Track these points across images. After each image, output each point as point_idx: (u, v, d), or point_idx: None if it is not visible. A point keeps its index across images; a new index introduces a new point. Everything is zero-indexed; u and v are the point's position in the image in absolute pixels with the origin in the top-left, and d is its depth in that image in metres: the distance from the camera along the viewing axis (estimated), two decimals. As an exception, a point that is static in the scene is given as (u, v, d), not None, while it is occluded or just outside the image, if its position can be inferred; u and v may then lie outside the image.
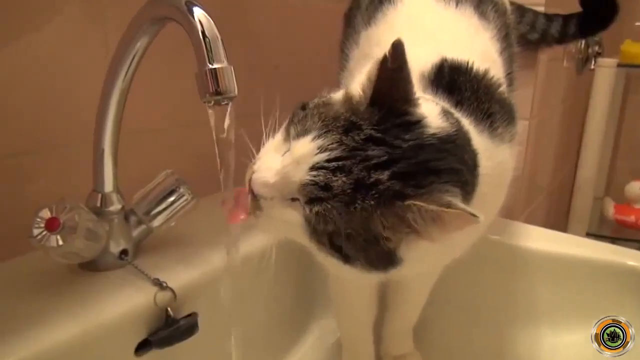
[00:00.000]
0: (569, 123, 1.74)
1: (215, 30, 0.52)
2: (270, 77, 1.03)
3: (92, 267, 0.66)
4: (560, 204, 1.91)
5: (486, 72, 0.60)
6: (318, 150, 0.49)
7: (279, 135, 0.55)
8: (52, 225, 0.56)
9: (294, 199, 0.50)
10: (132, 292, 0.62)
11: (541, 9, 1.09)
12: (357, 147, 0.48)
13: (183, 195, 0.69)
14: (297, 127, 0.52)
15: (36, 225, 0.57)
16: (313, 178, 0.48)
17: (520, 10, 1.03)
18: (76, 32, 0.74)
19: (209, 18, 0.52)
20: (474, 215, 0.44)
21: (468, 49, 0.62)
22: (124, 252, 0.67)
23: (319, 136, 0.49)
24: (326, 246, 0.50)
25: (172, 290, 0.63)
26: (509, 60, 0.72)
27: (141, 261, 0.68)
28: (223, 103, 0.52)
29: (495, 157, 0.56)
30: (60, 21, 0.72)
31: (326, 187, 0.48)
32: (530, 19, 1.05)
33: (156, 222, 0.69)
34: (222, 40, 0.52)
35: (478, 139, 0.54)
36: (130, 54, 0.59)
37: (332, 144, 0.48)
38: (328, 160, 0.48)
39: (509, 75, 0.71)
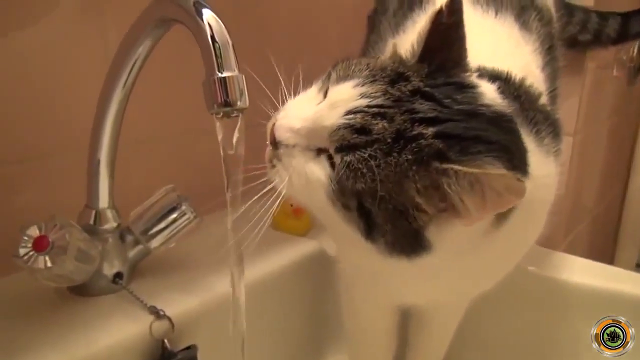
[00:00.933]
0: (618, 139, 1.73)
1: (226, 35, 0.52)
2: (285, 85, 1.03)
3: (82, 291, 0.66)
4: (607, 231, 1.88)
5: (523, 80, 0.60)
6: (359, 97, 0.49)
7: (313, 87, 0.55)
8: (40, 245, 0.57)
9: (320, 152, 0.50)
10: (126, 320, 0.62)
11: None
12: (402, 98, 0.48)
13: (185, 214, 0.69)
14: (338, 73, 0.52)
15: (23, 244, 0.57)
16: (348, 121, 0.48)
17: (569, 8, 1.01)
18: (72, 30, 0.74)
19: (220, 21, 0.52)
20: (520, 180, 0.43)
21: (507, 62, 0.62)
22: (118, 275, 0.67)
23: (363, 84, 0.49)
24: (352, 211, 0.49)
25: (169, 319, 0.63)
26: (553, 76, 0.72)
27: (137, 286, 0.68)
28: (233, 115, 0.52)
29: (541, 167, 0.55)
30: (54, 18, 0.72)
31: (363, 130, 0.47)
32: (581, 18, 1.04)
33: (154, 243, 0.69)
34: (233, 45, 0.52)
35: (526, 139, 0.53)
36: (132, 58, 0.60)
37: (376, 92, 0.48)
38: (369, 106, 0.48)
39: (552, 92, 0.70)
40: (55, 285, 0.63)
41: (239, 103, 0.51)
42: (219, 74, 0.51)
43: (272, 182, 0.52)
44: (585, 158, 1.33)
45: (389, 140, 0.46)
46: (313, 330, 0.90)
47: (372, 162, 0.46)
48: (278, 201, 0.51)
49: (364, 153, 0.47)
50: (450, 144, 0.46)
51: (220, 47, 0.51)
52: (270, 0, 1.03)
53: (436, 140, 0.46)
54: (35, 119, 0.72)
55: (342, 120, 0.48)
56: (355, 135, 0.47)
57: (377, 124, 0.47)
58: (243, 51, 0.53)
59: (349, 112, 0.48)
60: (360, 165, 0.47)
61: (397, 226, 0.48)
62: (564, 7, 0.98)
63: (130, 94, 0.63)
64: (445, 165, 0.45)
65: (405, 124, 0.47)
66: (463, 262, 0.54)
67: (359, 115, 0.48)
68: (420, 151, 0.46)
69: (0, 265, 0.64)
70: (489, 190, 0.44)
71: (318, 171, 0.50)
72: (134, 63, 0.60)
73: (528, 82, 0.61)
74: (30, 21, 0.70)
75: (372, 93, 0.48)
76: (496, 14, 0.68)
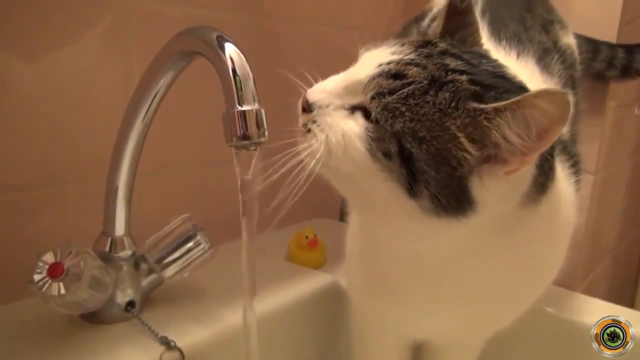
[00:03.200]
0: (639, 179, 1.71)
1: (247, 69, 0.53)
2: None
3: (94, 318, 0.66)
4: (627, 272, 1.86)
5: None
6: (391, 54, 0.51)
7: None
8: (55, 272, 0.57)
9: (354, 110, 0.50)
10: (136, 350, 0.62)
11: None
12: (433, 55, 0.50)
13: (200, 244, 0.70)
14: (367, 48, 0.54)
15: (38, 270, 0.58)
16: (382, 69, 0.49)
17: (593, 45, 1.01)
18: (96, 59, 0.76)
19: (241, 55, 0.53)
20: (564, 92, 0.43)
21: None
22: (130, 304, 0.67)
23: (392, 46, 0.52)
24: (393, 159, 0.47)
25: (180, 350, 0.63)
26: (573, 120, 0.72)
27: (149, 315, 0.68)
28: (251, 148, 0.53)
29: (561, 182, 0.55)
30: (79, 47, 0.74)
31: (398, 75, 0.48)
32: (607, 54, 1.03)
33: (168, 272, 0.69)
34: (254, 79, 0.53)
35: None
36: (154, 89, 0.61)
37: (407, 50, 0.51)
38: (401, 59, 0.50)
39: (572, 135, 0.70)
40: (68, 312, 0.63)
41: (257, 137, 0.52)
42: (239, 107, 0.52)
43: (307, 146, 0.51)
44: (605, 197, 1.31)
45: (425, 82, 0.48)
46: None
47: (411, 101, 0.47)
48: (313, 162, 0.50)
49: (402, 93, 0.47)
50: (485, 90, 0.47)
51: (241, 81, 0.52)
52: (290, 34, 1.05)
53: (471, 85, 0.47)
54: (55, 145, 0.73)
55: (376, 70, 0.50)
56: (391, 81, 0.48)
57: (411, 69, 0.48)
58: (263, 83, 0.54)
59: (381, 65, 0.50)
60: (398, 105, 0.47)
61: (440, 172, 0.47)
62: (589, 44, 0.98)
63: (151, 125, 0.63)
64: (483, 106, 0.46)
65: (439, 72, 0.48)
66: (492, 259, 0.55)
67: (392, 64, 0.49)
68: (458, 91, 0.47)
69: (14, 291, 0.65)
70: (532, 111, 0.44)
71: (355, 126, 0.49)
72: (156, 94, 0.61)
73: None
74: (54, 49, 0.71)
75: (402, 51, 0.51)
76: (518, 56, 0.69)
